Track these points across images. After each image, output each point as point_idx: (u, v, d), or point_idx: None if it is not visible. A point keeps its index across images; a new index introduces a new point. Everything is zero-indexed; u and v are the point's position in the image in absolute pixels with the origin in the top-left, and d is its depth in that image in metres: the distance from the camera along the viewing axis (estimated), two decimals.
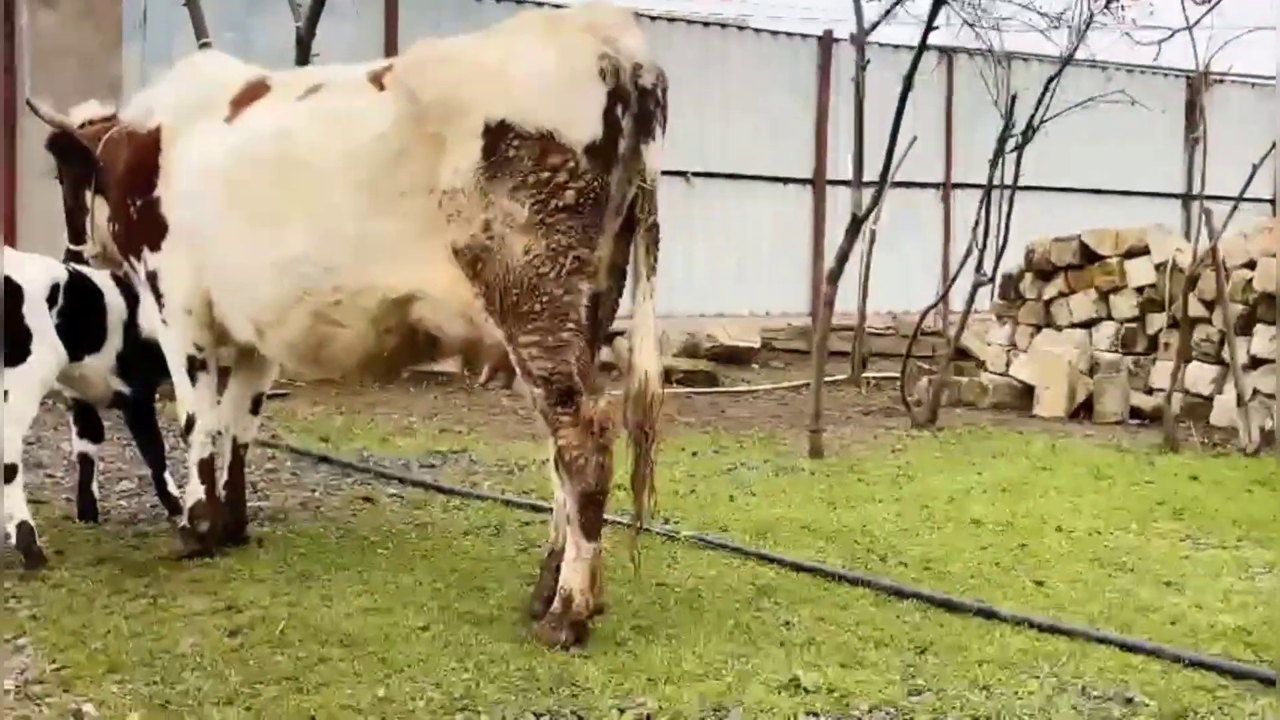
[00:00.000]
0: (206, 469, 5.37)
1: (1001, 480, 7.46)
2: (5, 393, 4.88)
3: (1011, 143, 9.64)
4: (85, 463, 5.80)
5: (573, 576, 4.27)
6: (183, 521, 5.41)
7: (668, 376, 11.74)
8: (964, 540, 5.92)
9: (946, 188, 15.00)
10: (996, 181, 9.90)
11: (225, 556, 5.26)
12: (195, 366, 5.33)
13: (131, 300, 5.60)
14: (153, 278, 5.27)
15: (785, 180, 14.06)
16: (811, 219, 14.23)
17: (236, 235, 4.90)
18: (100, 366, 5.45)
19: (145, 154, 5.24)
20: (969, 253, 10.11)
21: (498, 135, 4.20)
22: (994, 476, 7.60)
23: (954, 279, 10.54)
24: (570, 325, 4.24)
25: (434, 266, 4.44)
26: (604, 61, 4.25)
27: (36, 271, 5.12)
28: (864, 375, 13.24)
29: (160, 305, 5.27)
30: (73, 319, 5.24)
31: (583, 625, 4.25)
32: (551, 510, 4.81)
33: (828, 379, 13.09)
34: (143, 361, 5.59)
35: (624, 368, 4.47)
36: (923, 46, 8.23)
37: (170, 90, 5.37)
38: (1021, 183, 10.26)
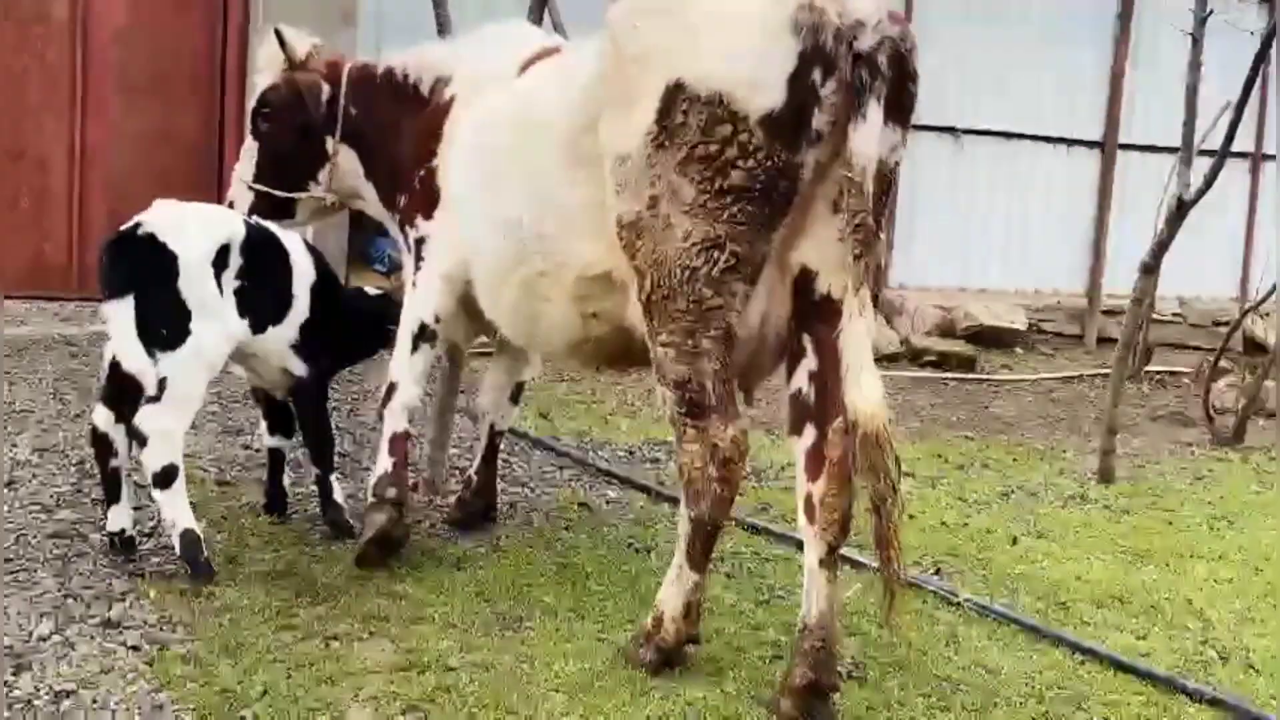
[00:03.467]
0: (399, 444, 4.81)
1: None
2: (163, 380, 4.21)
3: None
4: (276, 458, 5.11)
5: (669, 598, 3.88)
6: (370, 498, 4.78)
7: (917, 357, 10.95)
8: None
9: (1256, 159, 13.09)
10: None
11: (417, 581, 4.47)
12: (424, 335, 4.81)
13: (322, 267, 4.88)
14: (419, 244, 4.83)
15: (1070, 142, 12.45)
16: (1097, 187, 12.59)
17: (478, 197, 4.48)
18: (280, 341, 4.72)
19: (435, 122, 4.79)
20: None
21: (673, 96, 3.53)
22: None
23: None
24: (714, 332, 3.57)
25: None
26: (802, 13, 3.37)
27: (197, 231, 4.38)
28: (1146, 369, 11.70)
29: (418, 268, 4.83)
30: (251, 283, 4.52)
31: (672, 652, 3.85)
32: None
33: (1102, 370, 11.69)
34: (329, 342, 4.87)
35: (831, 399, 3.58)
36: None
37: (466, 59, 4.89)
38: None
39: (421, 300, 4.81)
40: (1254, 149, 12.95)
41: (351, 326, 5.05)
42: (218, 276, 4.39)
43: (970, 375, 10.74)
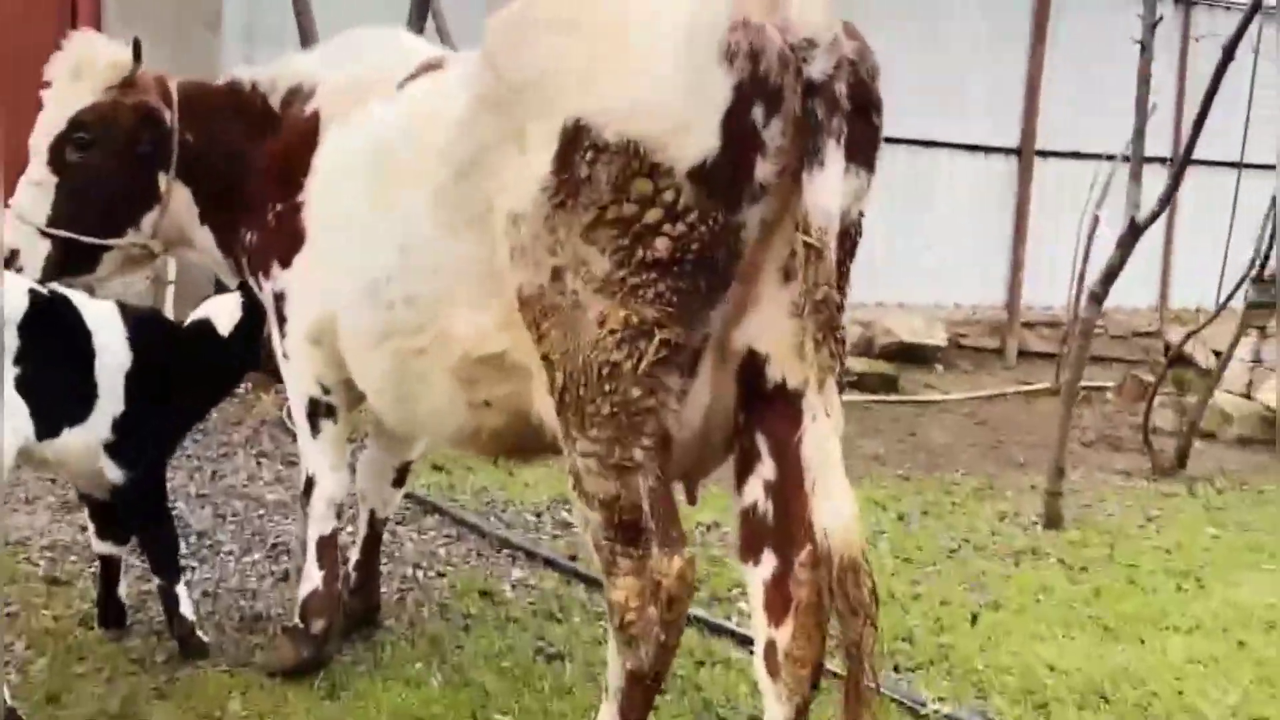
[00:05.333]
0: (326, 549, 4.06)
1: None
2: None
3: None
4: (109, 565, 4.24)
5: None
6: (294, 621, 4.06)
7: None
8: None
9: (1175, 163, 12.75)
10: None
11: None
12: (319, 412, 4.04)
13: (140, 338, 3.97)
14: (279, 300, 3.97)
15: (986, 149, 11.95)
16: (1015, 197, 12.11)
17: (342, 245, 3.67)
18: (85, 444, 3.82)
19: (299, 148, 3.89)
20: (1255, 254, 8.05)
21: (573, 142, 2.76)
22: None
23: (1240, 283, 8.42)
24: (647, 440, 2.81)
25: None
26: (736, 33, 2.64)
27: None
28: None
29: (283, 334, 3.99)
30: (36, 373, 3.62)
31: None
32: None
33: (1025, 387, 11.25)
34: (152, 433, 4.00)
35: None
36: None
37: (334, 67, 4.02)
38: None
39: (298, 374, 4.02)
40: (1170, 155, 12.61)
41: (202, 376, 4.19)
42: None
43: (892, 397, 10.20)
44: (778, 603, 2.85)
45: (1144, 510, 7.11)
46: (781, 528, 2.86)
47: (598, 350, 2.76)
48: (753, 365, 2.87)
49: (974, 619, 4.98)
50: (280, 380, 4.16)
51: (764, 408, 2.88)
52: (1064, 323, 11.73)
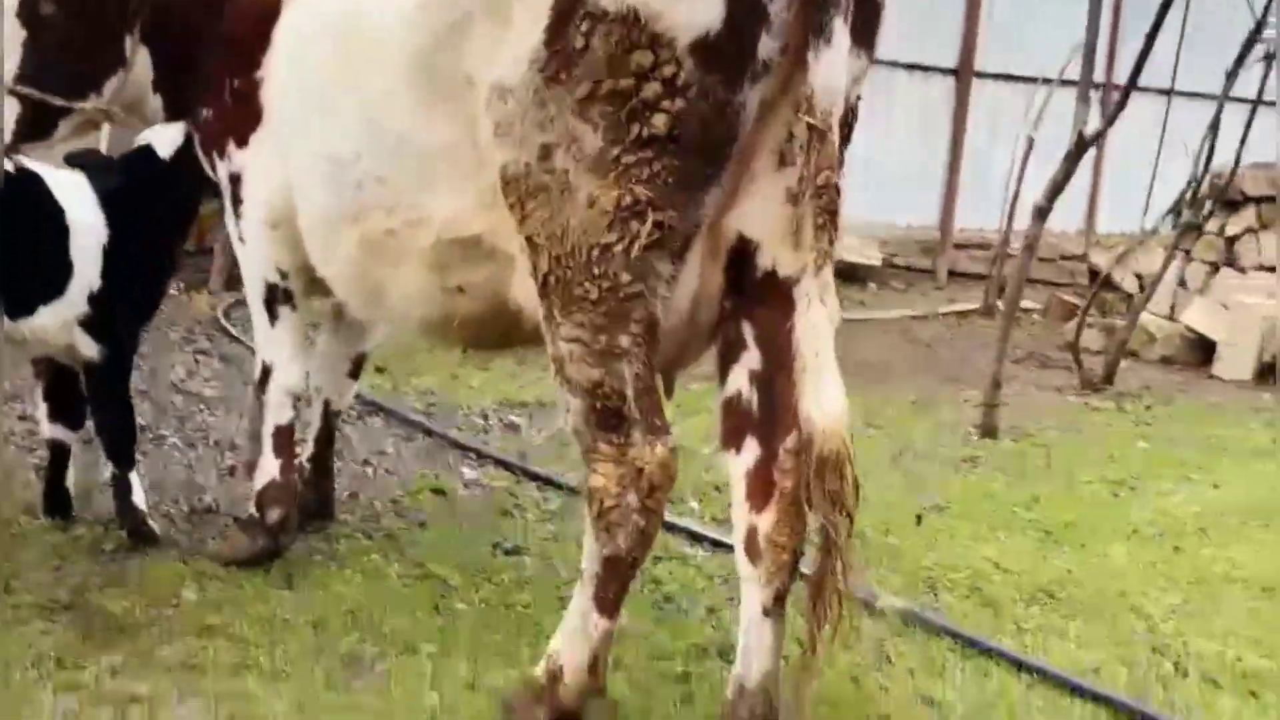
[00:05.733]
0: (283, 439, 3.96)
1: (1253, 501, 5.73)
2: None
3: (1260, 50, 7.60)
4: (58, 452, 4.11)
5: (569, 650, 3.03)
6: (249, 509, 3.98)
7: None
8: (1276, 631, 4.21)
9: (1106, 89, 12.88)
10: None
11: (236, 608, 3.61)
12: (276, 298, 3.89)
13: (114, 210, 3.83)
14: (234, 181, 3.81)
15: (924, 69, 11.95)
16: (951, 117, 12.14)
17: (304, 123, 3.50)
18: (59, 321, 3.72)
19: (258, 19, 3.66)
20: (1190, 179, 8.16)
21: (568, 11, 2.65)
22: (1238, 494, 5.88)
23: (1177, 204, 8.55)
24: (634, 326, 2.74)
25: None
26: None
27: None
28: (997, 304, 11.44)
29: (237, 216, 3.83)
30: (14, 251, 3.50)
31: (570, 713, 3.03)
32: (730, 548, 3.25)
33: (956, 308, 11.39)
34: (128, 308, 3.90)
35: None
36: None
37: None
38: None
39: (255, 258, 3.88)
40: (1105, 80, 12.72)
41: (155, 208, 3.98)
42: None
43: None
44: (759, 490, 2.84)
45: (1076, 424, 7.27)
46: (766, 416, 2.84)
47: (587, 232, 2.69)
48: (743, 252, 2.84)
49: (919, 519, 5.06)
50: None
51: (752, 296, 2.85)
52: (994, 245, 11.88)
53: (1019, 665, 3.72)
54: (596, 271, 2.70)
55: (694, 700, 3.34)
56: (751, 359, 2.87)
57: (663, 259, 2.72)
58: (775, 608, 2.87)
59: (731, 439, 2.90)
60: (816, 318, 2.65)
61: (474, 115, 2.87)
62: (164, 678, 3.18)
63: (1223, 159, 8.89)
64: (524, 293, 2.99)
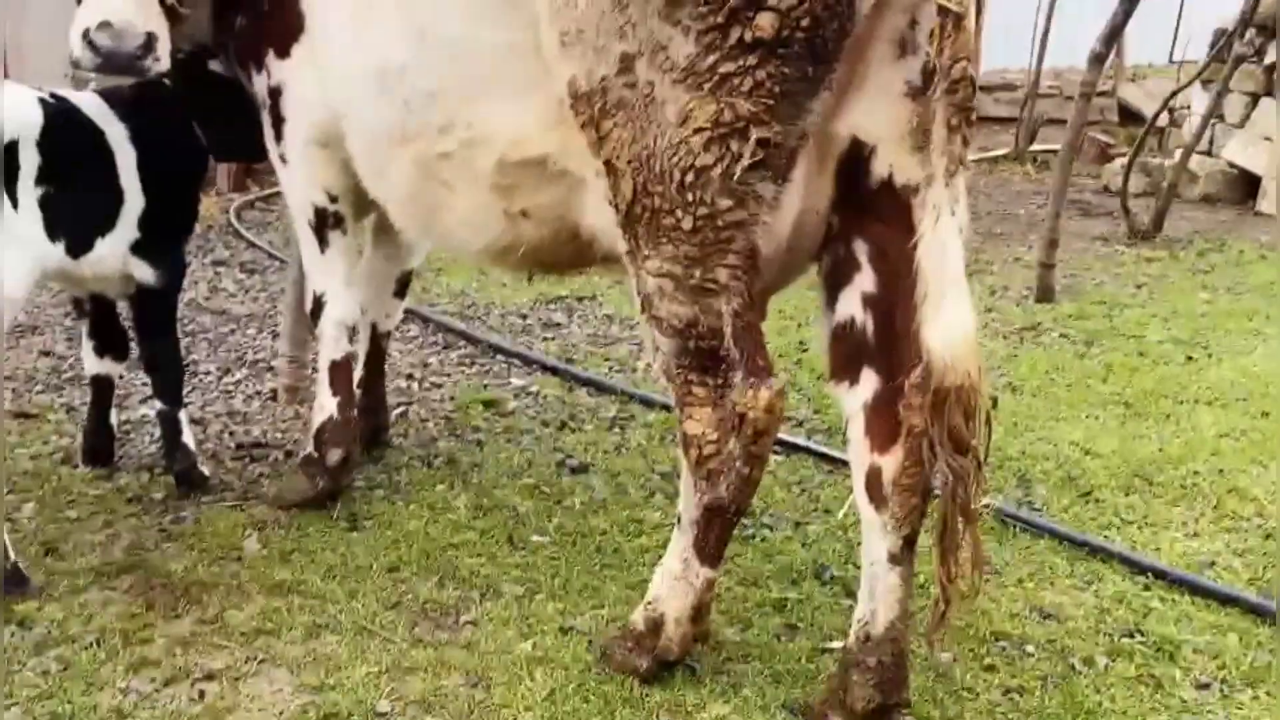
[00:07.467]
0: (340, 374, 3.69)
1: None
2: None
3: None
4: (102, 388, 3.86)
5: (671, 598, 2.84)
6: (307, 448, 3.74)
7: None
8: None
9: None
10: None
11: (307, 558, 3.40)
12: (326, 223, 3.58)
13: (152, 132, 3.48)
14: (275, 96, 3.45)
15: None
16: None
17: (349, 31, 3.13)
18: (116, 252, 3.44)
19: None
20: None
21: None
22: None
23: (1231, 34, 8.11)
24: (732, 258, 2.44)
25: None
26: None
27: None
28: (1031, 149, 11.05)
29: (279, 136, 3.49)
30: (59, 189, 3.20)
31: (668, 664, 2.85)
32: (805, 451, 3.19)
33: (986, 154, 10.99)
34: (174, 230, 3.61)
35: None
36: None
37: None
38: None
39: (301, 180, 3.56)
40: None
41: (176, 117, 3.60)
42: (8, 188, 3.06)
43: None
44: (881, 428, 2.59)
45: (1132, 278, 6.99)
46: (884, 344, 2.57)
47: (679, 154, 2.38)
48: (855, 158, 2.53)
49: (994, 403, 4.81)
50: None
51: (865, 210, 2.55)
52: (1022, 86, 11.42)
53: (1134, 566, 3.52)
54: (690, 198, 2.40)
55: (798, 633, 3.14)
56: (865, 280, 2.58)
57: (765, 181, 2.42)
58: (903, 554, 2.64)
59: (844, 370, 2.64)
60: (945, 233, 2.35)
61: (539, 21, 2.54)
62: (238, 647, 2.98)
63: None
64: (599, 219, 2.69)
